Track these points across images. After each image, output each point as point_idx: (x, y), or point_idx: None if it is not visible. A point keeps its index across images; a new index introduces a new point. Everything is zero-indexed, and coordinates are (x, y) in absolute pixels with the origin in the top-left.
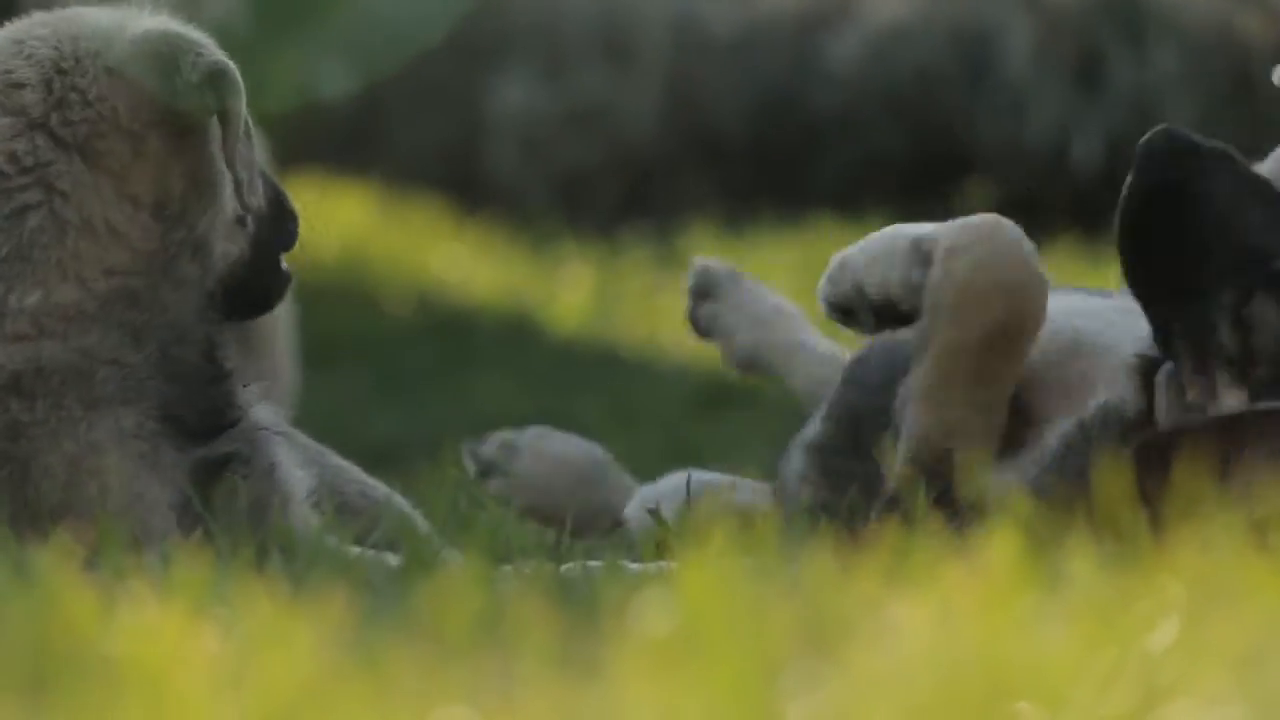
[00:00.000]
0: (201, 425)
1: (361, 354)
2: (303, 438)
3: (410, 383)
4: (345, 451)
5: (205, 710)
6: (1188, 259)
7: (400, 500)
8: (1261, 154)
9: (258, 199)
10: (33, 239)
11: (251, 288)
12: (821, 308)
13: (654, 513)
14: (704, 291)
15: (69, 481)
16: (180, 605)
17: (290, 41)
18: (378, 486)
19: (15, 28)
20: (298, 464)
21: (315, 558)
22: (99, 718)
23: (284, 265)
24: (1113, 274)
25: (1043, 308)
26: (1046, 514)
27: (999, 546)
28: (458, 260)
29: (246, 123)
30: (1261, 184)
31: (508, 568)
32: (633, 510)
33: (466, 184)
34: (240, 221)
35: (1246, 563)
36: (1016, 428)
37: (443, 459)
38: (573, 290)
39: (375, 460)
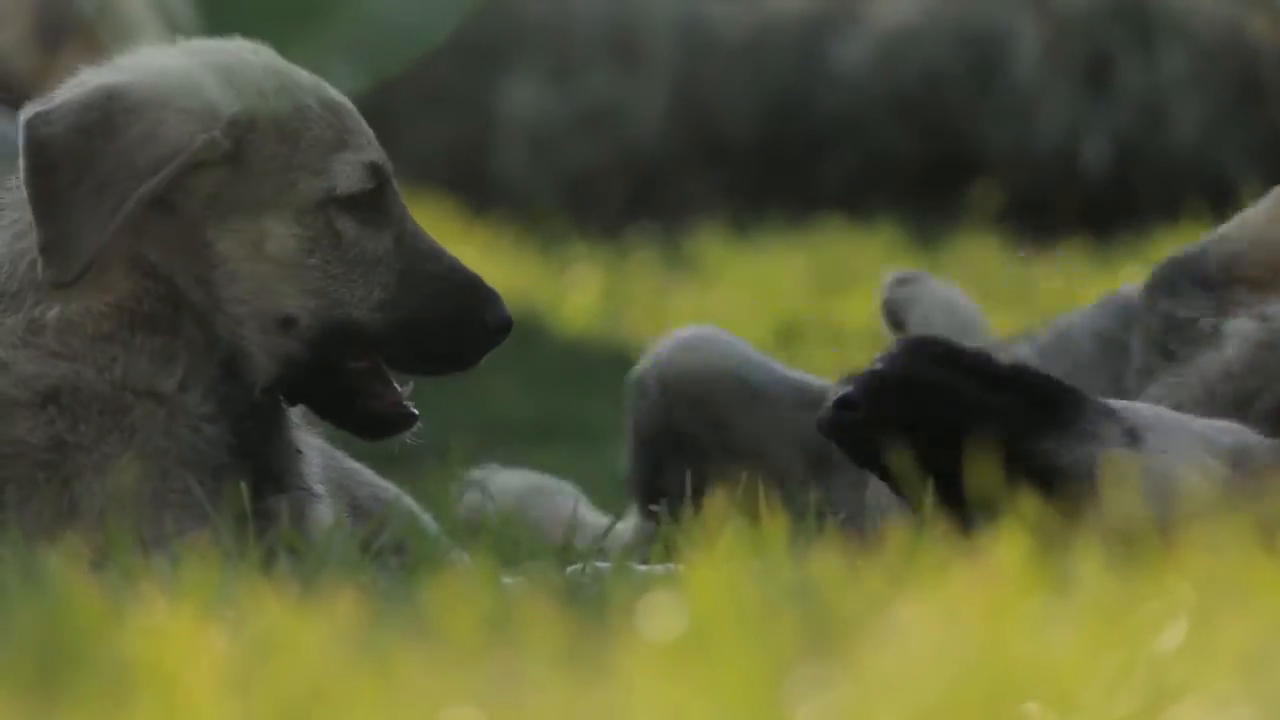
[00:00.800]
0: (255, 475)
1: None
2: (318, 441)
3: (418, 384)
4: (354, 452)
5: (214, 711)
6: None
7: (410, 501)
8: (1270, 155)
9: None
10: None
11: (333, 399)
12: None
13: (658, 512)
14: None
15: (107, 511)
16: (189, 607)
17: (298, 42)
18: (389, 488)
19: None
20: (323, 519)
21: (323, 559)
22: (109, 718)
23: (399, 398)
24: (1122, 275)
25: None
26: (1054, 515)
27: (1007, 548)
28: (466, 261)
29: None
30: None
31: (511, 581)
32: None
33: (475, 185)
34: (286, 323)
35: (1255, 564)
36: None
37: (451, 460)
38: (581, 291)
39: (383, 461)
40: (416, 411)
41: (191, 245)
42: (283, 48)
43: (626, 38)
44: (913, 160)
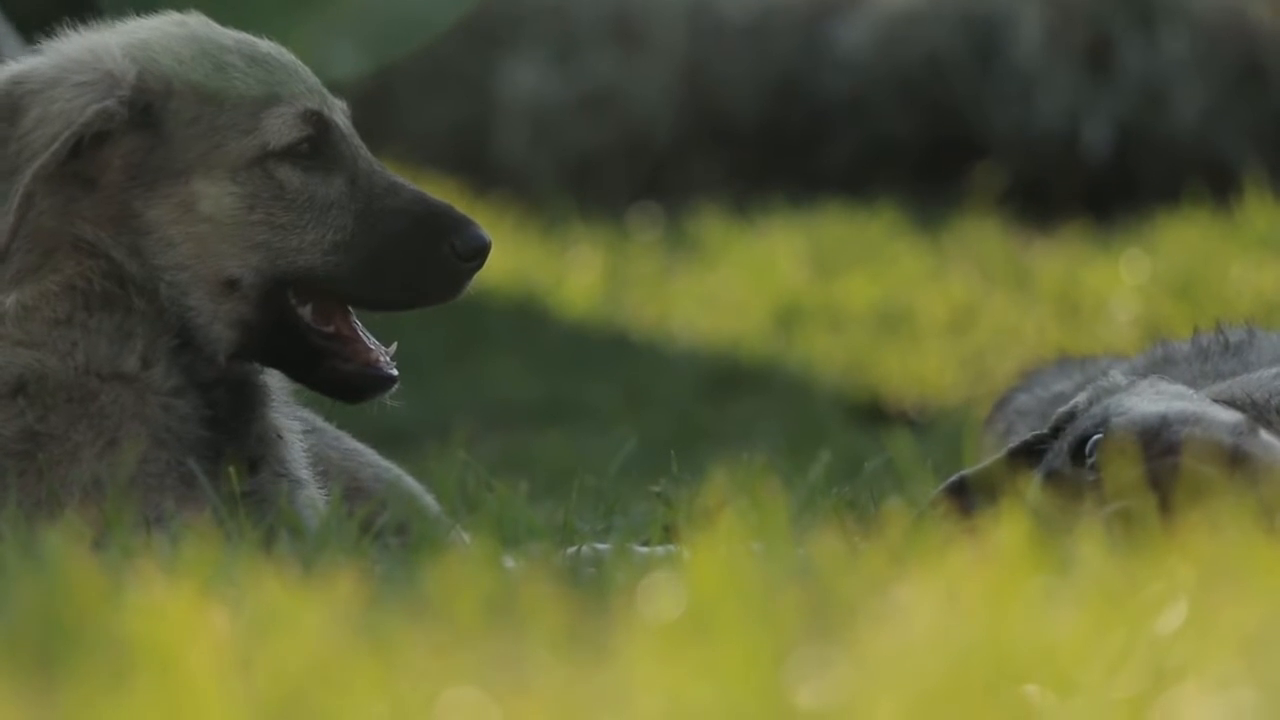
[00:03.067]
0: (236, 455)
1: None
2: (320, 421)
3: (420, 366)
4: (356, 433)
5: (214, 690)
6: None
7: (411, 482)
8: (1271, 139)
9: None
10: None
11: (299, 363)
12: None
13: (661, 495)
14: None
15: (86, 500)
16: (189, 586)
17: (300, 25)
18: (391, 469)
19: None
20: (310, 504)
21: (324, 540)
22: (108, 697)
23: (372, 359)
24: (1122, 259)
25: None
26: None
27: (1008, 530)
28: None
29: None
30: None
31: (512, 562)
32: None
33: (477, 167)
34: (230, 285)
35: (1255, 546)
36: None
37: (452, 441)
38: (583, 273)
39: (386, 442)
40: (395, 373)
41: (121, 217)
42: (285, 31)
43: (629, 19)
44: (914, 143)
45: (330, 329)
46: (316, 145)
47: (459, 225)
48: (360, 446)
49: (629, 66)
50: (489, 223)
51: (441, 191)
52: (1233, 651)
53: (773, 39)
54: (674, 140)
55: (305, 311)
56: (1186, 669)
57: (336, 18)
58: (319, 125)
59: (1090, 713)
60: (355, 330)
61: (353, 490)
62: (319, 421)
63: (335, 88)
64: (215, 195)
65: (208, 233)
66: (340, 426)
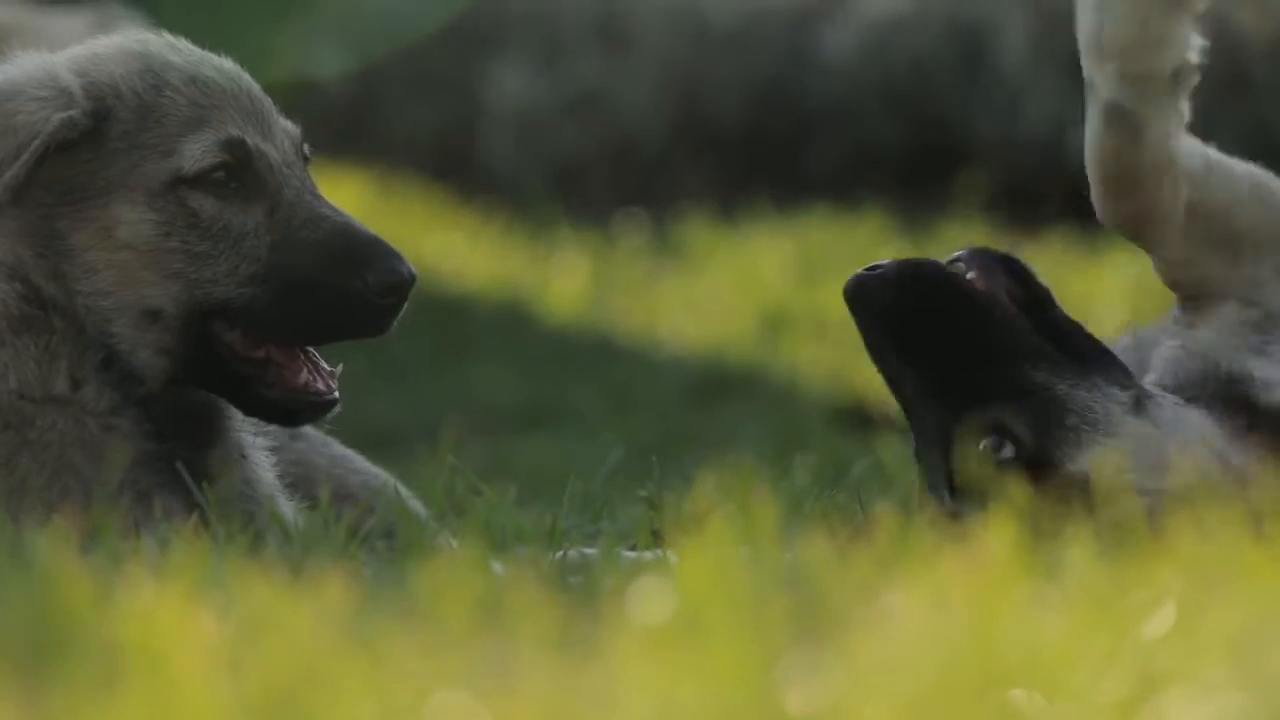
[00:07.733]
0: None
1: (357, 341)
2: (307, 428)
3: (406, 370)
4: (343, 438)
5: (203, 693)
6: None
7: (400, 488)
8: (1255, 146)
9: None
10: None
11: (226, 388)
12: None
13: (649, 499)
14: None
15: (49, 513)
16: (178, 589)
17: (283, 25)
18: (379, 475)
19: None
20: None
21: (312, 543)
22: (97, 701)
23: (299, 385)
24: (1107, 265)
25: None
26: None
27: (996, 534)
28: (453, 248)
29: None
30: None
31: (500, 565)
32: None
33: (462, 171)
34: (152, 315)
35: (1242, 551)
36: None
37: (440, 445)
38: (568, 278)
39: (372, 447)
40: (333, 396)
41: (45, 237)
42: (268, 31)
43: (615, 24)
44: (900, 149)
45: (260, 353)
46: (235, 173)
47: (375, 260)
48: (348, 453)
49: (615, 71)
50: (475, 228)
51: (427, 196)
52: (1220, 656)
53: (759, 45)
54: (660, 145)
55: (234, 336)
56: (1174, 673)
57: (321, 20)
58: (238, 153)
59: (1078, 717)
60: (291, 353)
61: (341, 496)
62: (306, 428)
63: (319, 89)
64: (133, 221)
65: (128, 260)
66: (328, 433)
